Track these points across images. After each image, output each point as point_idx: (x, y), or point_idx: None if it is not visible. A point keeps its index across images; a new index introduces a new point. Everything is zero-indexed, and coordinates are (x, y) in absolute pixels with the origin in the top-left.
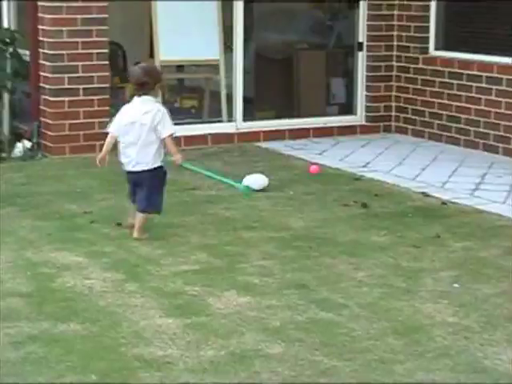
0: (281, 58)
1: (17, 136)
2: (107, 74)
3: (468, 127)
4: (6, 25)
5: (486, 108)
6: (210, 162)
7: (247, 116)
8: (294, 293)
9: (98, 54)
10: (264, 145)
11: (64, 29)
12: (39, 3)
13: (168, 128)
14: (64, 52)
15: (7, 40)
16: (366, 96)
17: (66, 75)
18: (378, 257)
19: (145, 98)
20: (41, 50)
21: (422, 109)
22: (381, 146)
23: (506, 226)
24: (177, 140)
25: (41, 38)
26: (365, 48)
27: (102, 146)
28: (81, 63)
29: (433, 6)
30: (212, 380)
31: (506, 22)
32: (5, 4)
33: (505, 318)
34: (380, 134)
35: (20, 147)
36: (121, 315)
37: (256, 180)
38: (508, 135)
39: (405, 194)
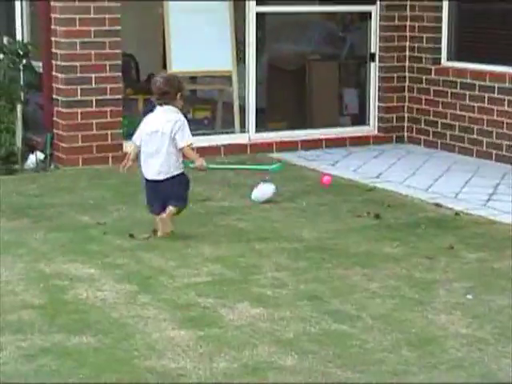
0: (293, 68)
1: (30, 147)
2: (120, 85)
3: (481, 137)
4: (19, 37)
5: (499, 118)
6: (223, 173)
7: (260, 127)
8: (307, 304)
9: (110, 65)
10: (276, 155)
11: (77, 40)
12: (52, 15)
13: (185, 138)
14: (77, 63)
15: (20, 52)
16: (379, 106)
17: (79, 87)
18: (391, 268)
19: (167, 107)
20: (54, 62)
21: (435, 119)
22: (393, 156)
23: None
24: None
25: (54, 50)
26: (377, 59)
27: (114, 157)
28: (94, 75)
29: (445, 16)
30: None
31: None
32: (18, 16)
33: None
34: (393, 145)
35: (33, 159)
36: (133, 327)
37: (264, 192)
38: None
39: (418, 204)
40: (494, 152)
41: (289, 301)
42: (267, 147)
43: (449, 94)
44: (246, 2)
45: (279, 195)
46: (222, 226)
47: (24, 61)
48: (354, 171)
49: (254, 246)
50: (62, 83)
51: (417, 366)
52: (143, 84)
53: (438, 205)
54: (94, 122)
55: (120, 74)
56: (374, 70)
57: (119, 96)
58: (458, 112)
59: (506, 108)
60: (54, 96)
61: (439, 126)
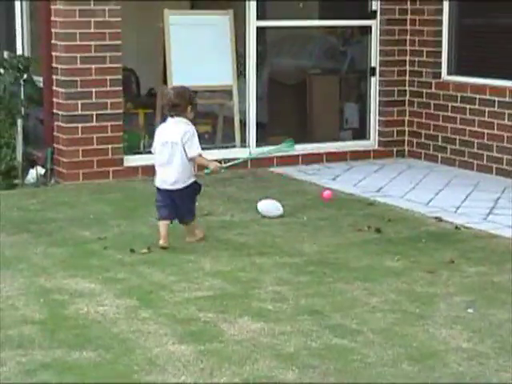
0: (294, 83)
1: (30, 162)
2: (120, 100)
3: (481, 151)
4: (19, 51)
5: (499, 132)
6: (224, 188)
7: (260, 141)
8: (308, 319)
9: (111, 80)
10: (277, 170)
11: (78, 55)
12: (53, 30)
13: (194, 149)
14: (77, 78)
15: (21, 66)
16: (379, 121)
17: (80, 101)
18: (392, 282)
19: (178, 119)
20: (54, 77)
21: (435, 133)
22: (394, 170)
23: None
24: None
25: (54, 65)
26: (377, 73)
27: (114, 172)
28: (94, 89)
29: (445, 31)
30: None
31: None
32: (18, 31)
33: None
34: (393, 159)
35: (33, 173)
36: (134, 342)
37: (269, 208)
38: None
39: (418, 218)
40: (495, 166)
41: (289, 315)
42: (268, 161)
43: (449, 108)
44: (247, 17)
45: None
46: (222, 241)
47: (25, 75)
48: (355, 185)
49: (254, 260)
50: (63, 98)
51: (418, 380)
52: (144, 98)
53: (438, 219)
54: (95, 136)
55: (120, 88)
56: (374, 84)
57: (120, 111)
58: (459, 126)
59: (506, 122)
60: (55, 111)
61: (440, 139)
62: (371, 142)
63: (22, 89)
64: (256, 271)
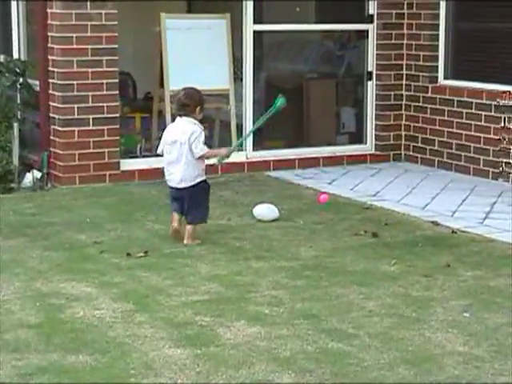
0: (291, 87)
1: (26, 166)
2: (117, 103)
3: (477, 156)
4: (16, 55)
5: (495, 136)
6: (221, 192)
7: (257, 145)
8: (304, 323)
9: (107, 83)
10: (274, 174)
11: (74, 59)
12: (49, 33)
13: (199, 149)
14: (74, 82)
15: (17, 70)
16: (376, 125)
17: (76, 105)
18: (389, 286)
19: (186, 118)
20: (51, 80)
21: (432, 137)
22: (391, 174)
23: None
24: None
25: (51, 68)
26: (374, 77)
27: (111, 175)
28: (91, 93)
29: (441, 35)
30: None
31: None
32: (15, 35)
33: None
34: (390, 163)
35: (30, 177)
36: (130, 346)
37: (266, 213)
38: None
39: (415, 223)
40: (491, 170)
41: (286, 319)
42: (264, 166)
43: (446, 113)
44: (244, 20)
45: None
46: (219, 245)
47: (21, 79)
48: (352, 189)
49: (251, 264)
50: (59, 102)
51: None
52: (140, 102)
53: (435, 223)
54: (91, 140)
55: (117, 92)
56: (371, 88)
57: (116, 114)
58: (455, 130)
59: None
60: (51, 114)
61: (436, 144)
62: (368, 146)
63: (19, 92)
64: (252, 275)
